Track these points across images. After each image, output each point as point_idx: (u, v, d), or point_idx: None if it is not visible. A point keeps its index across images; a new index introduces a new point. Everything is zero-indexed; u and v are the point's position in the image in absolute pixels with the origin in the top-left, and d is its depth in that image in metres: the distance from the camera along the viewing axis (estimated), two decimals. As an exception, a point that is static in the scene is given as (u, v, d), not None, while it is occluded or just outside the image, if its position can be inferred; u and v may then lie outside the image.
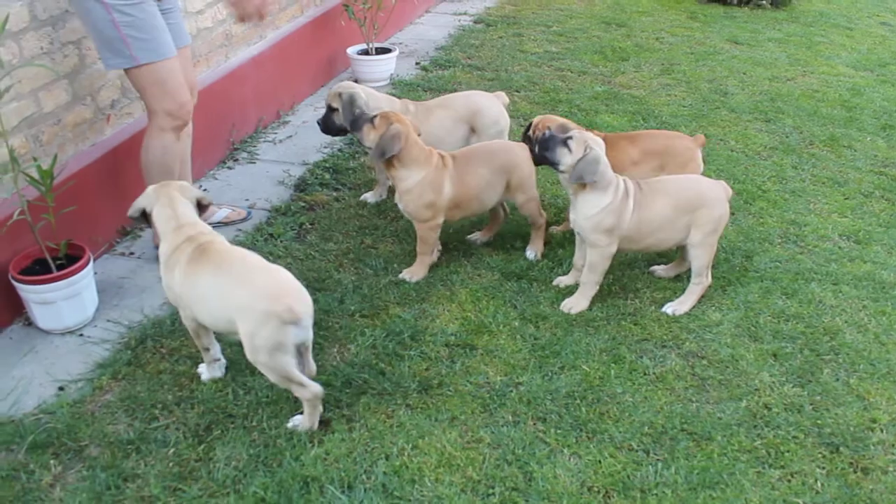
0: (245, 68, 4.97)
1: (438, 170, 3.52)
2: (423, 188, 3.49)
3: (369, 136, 3.49)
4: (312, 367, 2.83)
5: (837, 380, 3.07)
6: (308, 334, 2.68)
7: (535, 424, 2.81)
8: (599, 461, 2.65)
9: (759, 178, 4.72)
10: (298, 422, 2.75)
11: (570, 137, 3.26)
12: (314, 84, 5.93)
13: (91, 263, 3.31)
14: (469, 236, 4.00)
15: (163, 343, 3.17)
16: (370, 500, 2.48)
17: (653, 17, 8.12)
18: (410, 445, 2.70)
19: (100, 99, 3.82)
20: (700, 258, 3.41)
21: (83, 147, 3.75)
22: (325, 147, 4.98)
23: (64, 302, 3.19)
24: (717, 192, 3.41)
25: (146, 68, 3.31)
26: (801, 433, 2.80)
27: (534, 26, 7.67)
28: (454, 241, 3.96)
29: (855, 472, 2.66)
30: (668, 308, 3.45)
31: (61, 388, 2.96)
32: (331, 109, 4.00)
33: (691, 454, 2.69)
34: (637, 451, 2.71)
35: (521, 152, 3.67)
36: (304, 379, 2.65)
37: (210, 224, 3.37)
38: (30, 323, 3.30)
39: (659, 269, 3.74)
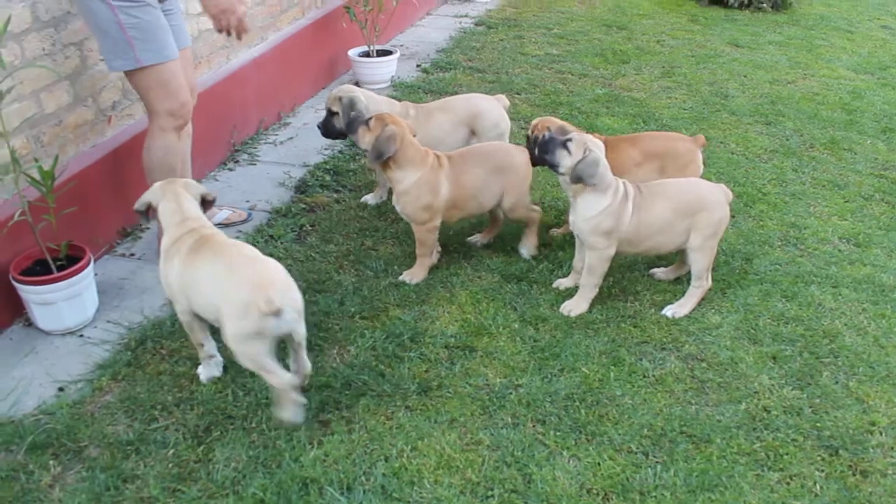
0: (246, 70, 4.98)
1: (434, 170, 3.52)
2: (419, 189, 3.49)
3: (365, 138, 3.49)
4: (307, 365, 2.84)
5: (837, 383, 3.08)
6: (294, 328, 2.67)
7: (534, 426, 2.81)
8: (598, 463, 2.65)
9: (760, 180, 4.72)
10: (281, 412, 2.76)
11: (570, 139, 3.26)
12: (315, 86, 5.94)
13: (91, 264, 3.32)
14: (469, 238, 4.00)
15: (163, 344, 3.18)
16: (369, 502, 2.49)
17: (653, 20, 8.13)
18: (410, 447, 2.70)
19: (101, 100, 3.83)
20: (700, 262, 3.41)
21: (84, 148, 3.76)
22: (325, 149, 4.99)
23: (64, 303, 3.20)
24: (718, 196, 3.41)
25: (150, 70, 3.32)
26: (801, 436, 2.80)
27: (535, 29, 7.68)
28: (454, 244, 3.96)
29: (854, 474, 2.66)
30: (668, 311, 3.45)
31: (61, 389, 2.97)
32: (331, 113, 4.01)
33: (690, 457, 2.69)
34: (636, 453, 2.71)
35: (518, 155, 3.66)
36: (276, 368, 2.66)
37: None
38: (30, 323, 3.30)
39: (659, 272, 3.74)
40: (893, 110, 5.92)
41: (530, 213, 3.78)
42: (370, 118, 3.52)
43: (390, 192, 4.17)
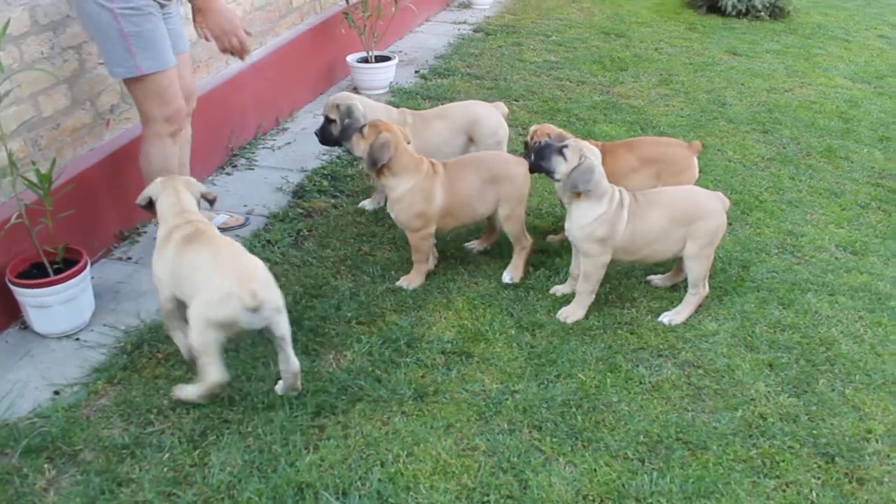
0: (245, 75, 4.99)
1: (429, 178, 3.51)
2: (413, 196, 3.48)
3: (359, 146, 3.49)
4: (295, 363, 2.84)
5: (833, 390, 3.08)
6: (271, 324, 2.73)
7: (530, 432, 2.81)
8: (595, 470, 2.65)
9: (757, 188, 4.73)
10: (182, 391, 2.83)
11: (566, 146, 3.27)
12: (313, 91, 5.95)
13: (88, 268, 3.31)
14: (466, 244, 4.00)
15: (159, 348, 3.17)
16: (365, 507, 2.48)
17: (652, 28, 8.16)
18: (406, 452, 2.69)
19: (99, 104, 3.83)
20: (696, 270, 3.41)
21: (82, 151, 3.76)
22: (323, 154, 4.99)
23: (60, 306, 3.19)
24: (714, 204, 3.41)
25: (149, 78, 3.34)
26: (797, 443, 2.80)
27: (533, 36, 7.70)
28: (451, 249, 3.96)
29: (850, 482, 2.66)
30: (665, 317, 3.45)
31: (56, 392, 2.96)
32: (328, 120, 4.01)
33: (686, 463, 2.69)
34: (632, 459, 2.70)
35: (516, 166, 3.61)
36: (219, 363, 2.73)
37: None
38: (26, 327, 3.29)
39: (655, 279, 3.74)
40: (890, 119, 5.94)
41: (521, 238, 3.69)
42: (364, 125, 3.52)
43: (387, 197, 4.17)
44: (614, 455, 2.72)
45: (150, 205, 3.08)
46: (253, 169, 4.84)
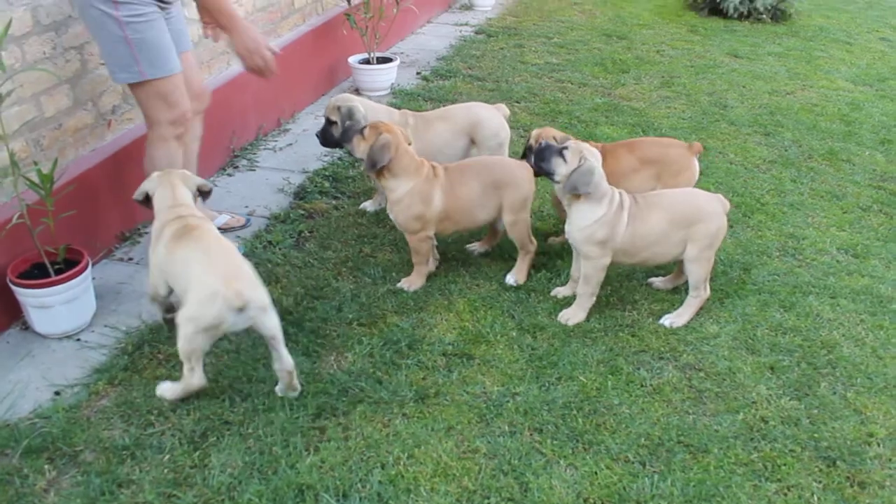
0: (246, 76, 4.94)
1: (429, 181, 3.50)
2: (411, 199, 3.48)
3: (359, 148, 3.49)
4: (288, 361, 2.84)
5: (835, 393, 3.07)
6: (258, 323, 2.74)
7: (531, 435, 2.81)
8: (595, 473, 2.64)
9: (758, 191, 4.73)
10: (165, 389, 2.87)
11: (566, 147, 3.26)
12: (315, 92, 5.95)
13: (89, 268, 3.31)
14: (468, 246, 4.00)
15: (160, 349, 3.17)
16: (365, 509, 2.48)
17: (653, 30, 8.15)
18: (406, 455, 2.69)
19: (101, 104, 3.83)
20: (697, 272, 3.41)
21: (84, 152, 3.76)
22: (324, 155, 4.99)
23: (61, 306, 3.19)
24: (714, 207, 3.40)
25: (153, 83, 3.34)
26: (798, 446, 2.79)
27: (535, 38, 7.70)
28: (453, 251, 3.96)
29: (852, 486, 2.65)
30: (666, 320, 3.45)
31: (57, 393, 2.96)
32: (329, 122, 4.00)
33: (688, 466, 2.69)
34: (633, 462, 2.70)
35: (520, 172, 3.58)
36: (200, 368, 2.78)
37: None
38: (27, 327, 3.29)
39: (657, 281, 3.74)
40: (892, 122, 5.93)
41: (527, 243, 3.68)
42: (364, 127, 3.52)
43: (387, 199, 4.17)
44: (615, 458, 2.71)
45: (148, 200, 3.12)
46: (254, 170, 4.84)
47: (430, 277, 3.70)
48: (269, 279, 3.65)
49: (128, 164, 3.83)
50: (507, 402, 2.95)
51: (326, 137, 4.04)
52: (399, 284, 3.64)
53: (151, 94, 3.37)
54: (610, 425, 2.86)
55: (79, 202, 3.49)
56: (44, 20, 3.42)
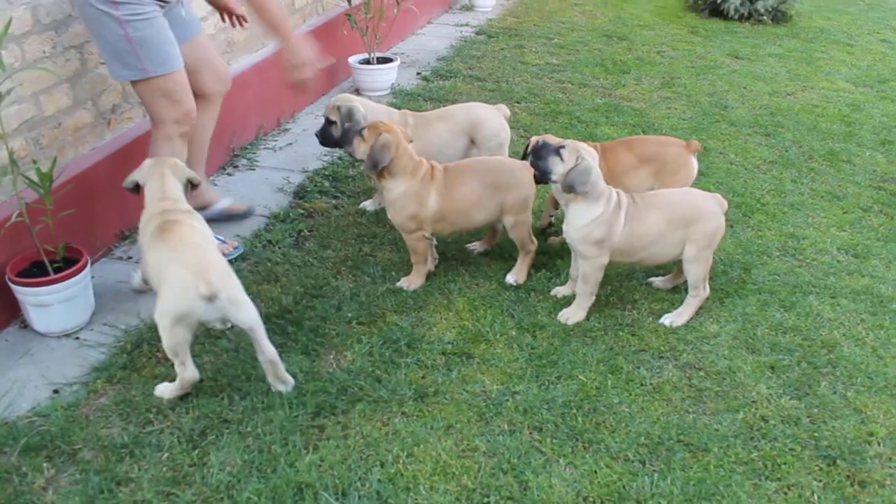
0: (247, 75, 4.99)
1: (425, 182, 3.48)
2: (406, 199, 3.47)
3: (360, 149, 3.48)
4: (270, 350, 2.84)
5: (835, 392, 3.07)
6: (230, 315, 2.75)
7: (531, 434, 2.80)
8: (595, 471, 2.64)
9: (759, 191, 4.72)
10: (163, 389, 2.88)
11: (563, 146, 3.26)
12: (315, 92, 5.94)
13: (88, 267, 3.31)
14: (468, 245, 4.00)
15: (158, 347, 3.14)
16: (364, 508, 2.47)
17: (654, 31, 8.15)
18: (405, 453, 2.69)
19: (101, 103, 3.83)
20: (695, 272, 3.40)
21: (83, 151, 3.76)
22: (324, 155, 4.99)
23: (60, 305, 3.19)
24: (712, 206, 3.39)
25: (157, 80, 3.34)
26: (798, 445, 2.79)
27: (535, 38, 7.70)
28: (452, 251, 3.95)
29: (852, 485, 2.65)
30: (666, 319, 3.44)
31: (56, 391, 2.95)
32: (329, 122, 4.00)
33: (687, 465, 2.68)
34: (633, 461, 2.69)
35: (522, 173, 3.54)
36: (189, 361, 2.79)
37: (211, 215, 3.89)
38: (26, 325, 3.29)
39: (657, 281, 3.73)
40: (892, 123, 5.93)
41: (527, 243, 3.67)
42: (363, 128, 3.51)
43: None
44: (615, 457, 2.71)
45: (138, 188, 3.16)
46: (254, 169, 4.84)
47: (430, 276, 3.70)
48: (269, 278, 3.66)
49: (127, 163, 3.81)
50: (507, 400, 2.95)
51: (326, 137, 4.04)
52: (398, 283, 3.64)
53: (155, 92, 3.37)
54: (610, 424, 2.85)
55: (78, 201, 3.49)
56: (44, 19, 3.42)
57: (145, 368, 3.06)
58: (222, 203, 4.12)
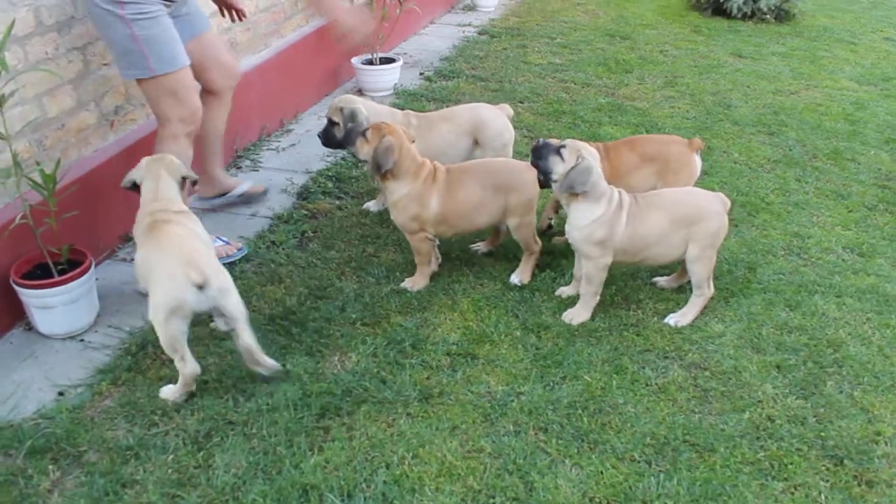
0: (249, 76, 4.98)
1: (427, 183, 3.47)
2: (408, 201, 3.46)
3: (363, 150, 3.48)
4: (245, 340, 2.85)
5: (841, 392, 3.06)
6: (220, 304, 2.77)
7: (536, 434, 2.80)
8: (601, 472, 2.63)
9: (763, 190, 4.71)
10: (167, 392, 2.89)
11: (563, 146, 3.25)
12: (318, 93, 5.95)
13: (93, 269, 3.31)
14: (472, 246, 3.99)
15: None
16: (370, 509, 2.47)
17: (657, 30, 8.14)
18: (411, 454, 2.68)
19: (104, 104, 3.83)
20: (699, 272, 3.39)
21: (86, 152, 3.76)
22: (328, 156, 4.99)
23: (65, 307, 3.19)
24: (715, 206, 3.38)
25: (162, 78, 3.36)
26: (805, 445, 2.78)
27: (538, 38, 7.69)
28: (456, 251, 3.95)
29: (859, 485, 2.64)
30: (671, 319, 3.44)
31: (61, 394, 2.95)
32: (331, 123, 4.00)
33: (694, 466, 2.67)
34: (639, 462, 2.69)
35: (526, 175, 3.52)
36: (188, 355, 2.81)
37: (231, 199, 4.21)
38: (30, 328, 3.29)
39: (661, 281, 3.72)
40: (896, 121, 5.92)
41: (531, 244, 3.66)
42: (367, 129, 3.50)
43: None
44: (621, 457, 2.70)
45: (136, 187, 3.17)
46: (258, 170, 4.83)
47: (434, 277, 3.69)
48: (273, 279, 3.65)
49: (131, 164, 3.78)
50: (512, 401, 2.94)
51: (328, 138, 4.04)
52: (402, 284, 3.63)
53: (161, 91, 3.39)
54: (615, 424, 2.84)
55: (82, 203, 3.49)
56: (46, 21, 3.42)
57: (150, 370, 3.05)
58: (242, 186, 4.24)
